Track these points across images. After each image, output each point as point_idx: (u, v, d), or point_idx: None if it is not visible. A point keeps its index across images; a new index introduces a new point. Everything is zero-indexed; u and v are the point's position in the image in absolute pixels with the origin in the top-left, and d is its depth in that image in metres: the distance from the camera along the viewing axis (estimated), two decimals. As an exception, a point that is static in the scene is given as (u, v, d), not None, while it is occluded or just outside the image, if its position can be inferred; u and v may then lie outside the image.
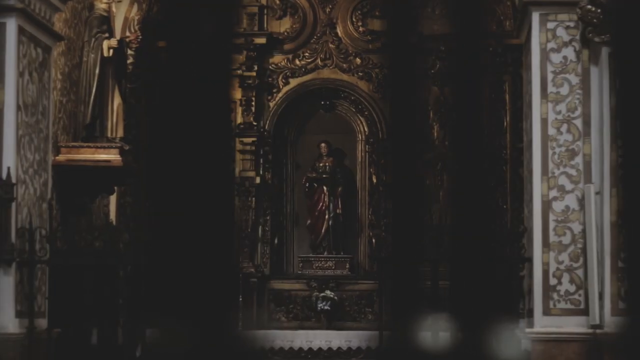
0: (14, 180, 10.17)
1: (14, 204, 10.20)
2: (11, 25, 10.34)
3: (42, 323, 10.63)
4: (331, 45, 14.64)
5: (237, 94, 14.58)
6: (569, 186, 10.35)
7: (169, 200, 1.50)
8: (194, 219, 1.45)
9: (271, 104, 14.66)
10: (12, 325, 10.16)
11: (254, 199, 14.44)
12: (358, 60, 14.51)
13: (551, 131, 10.40)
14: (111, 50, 12.44)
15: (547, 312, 10.28)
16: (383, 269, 11.74)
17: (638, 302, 1.65)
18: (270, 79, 14.62)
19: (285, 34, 14.68)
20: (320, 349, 13.48)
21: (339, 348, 13.50)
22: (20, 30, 10.46)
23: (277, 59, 14.66)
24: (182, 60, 1.46)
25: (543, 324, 10.28)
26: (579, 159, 10.32)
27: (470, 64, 1.51)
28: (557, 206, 10.34)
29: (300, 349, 13.49)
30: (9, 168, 10.13)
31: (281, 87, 14.66)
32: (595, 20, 9.91)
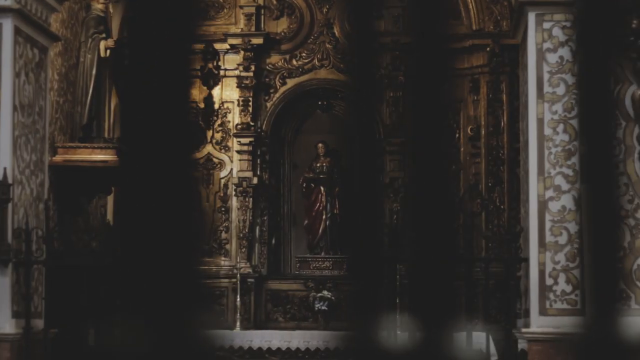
0: (10, 181, 10.17)
1: (10, 205, 10.20)
2: (7, 26, 10.33)
3: (39, 323, 10.64)
4: (328, 46, 14.64)
5: (235, 94, 14.60)
6: (565, 186, 10.34)
7: (134, 199, 1.52)
8: (154, 219, 1.46)
9: (268, 104, 14.66)
10: (8, 325, 10.16)
11: (251, 199, 14.45)
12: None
13: (547, 131, 10.40)
14: (108, 51, 12.44)
15: (543, 312, 10.27)
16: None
17: (598, 302, 1.66)
18: (267, 79, 14.63)
19: (283, 34, 14.69)
20: (317, 349, 13.48)
21: (337, 348, 13.50)
22: (17, 31, 10.46)
23: (274, 59, 14.67)
24: (146, 59, 1.47)
25: (539, 324, 10.27)
26: (575, 159, 10.32)
27: (430, 67, 1.52)
28: (554, 206, 10.34)
29: (298, 349, 13.49)
30: (5, 169, 10.13)
31: (278, 87, 14.67)
32: (590, 21, 9.91)
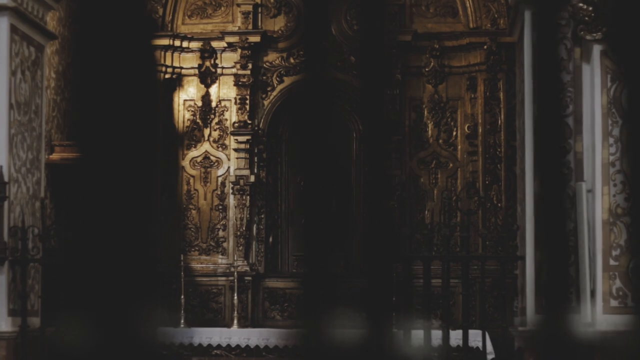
0: (6, 179, 10.18)
1: (6, 203, 10.21)
2: (3, 24, 10.34)
3: (35, 322, 10.64)
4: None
5: (232, 93, 14.61)
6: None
7: (91, 194, 1.52)
8: (113, 216, 1.46)
9: (266, 102, 14.66)
10: (4, 323, 10.17)
11: (248, 197, 14.45)
12: (352, 59, 14.51)
13: (544, 129, 10.38)
14: (105, 49, 12.45)
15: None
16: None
17: (557, 298, 1.66)
18: (264, 77, 14.62)
19: (280, 32, 14.68)
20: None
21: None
22: (13, 29, 10.46)
23: (272, 57, 14.66)
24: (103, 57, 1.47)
25: (536, 322, 10.27)
26: (570, 157, 10.32)
27: (374, 63, 1.52)
28: (550, 204, 10.32)
29: (295, 347, 13.49)
30: (1, 167, 10.14)
31: (275, 85, 14.66)
32: (586, 18, 9.91)
